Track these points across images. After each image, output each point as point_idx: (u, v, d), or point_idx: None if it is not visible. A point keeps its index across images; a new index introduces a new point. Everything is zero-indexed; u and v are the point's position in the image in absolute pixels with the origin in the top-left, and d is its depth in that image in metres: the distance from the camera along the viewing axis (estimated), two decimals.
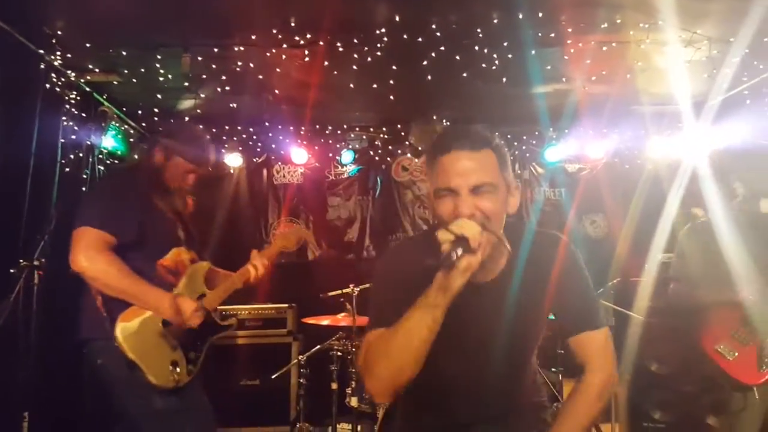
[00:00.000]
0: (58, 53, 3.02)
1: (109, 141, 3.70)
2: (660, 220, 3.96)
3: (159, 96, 3.66)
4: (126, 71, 3.34)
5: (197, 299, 2.00)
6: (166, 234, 2.00)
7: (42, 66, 2.97)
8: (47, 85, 3.05)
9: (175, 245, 2.01)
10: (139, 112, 3.84)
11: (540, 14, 2.77)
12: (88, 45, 3.01)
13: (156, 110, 3.82)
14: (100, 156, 3.45)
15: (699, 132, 3.83)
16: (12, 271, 2.45)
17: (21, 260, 2.44)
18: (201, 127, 3.86)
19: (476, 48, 3.11)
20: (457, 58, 3.20)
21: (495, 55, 3.18)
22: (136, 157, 3.31)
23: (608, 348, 1.33)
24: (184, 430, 1.92)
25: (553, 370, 3.46)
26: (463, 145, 1.19)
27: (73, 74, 3.23)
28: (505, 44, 3.09)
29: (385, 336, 1.16)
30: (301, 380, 3.33)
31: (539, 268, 1.30)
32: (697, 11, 2.74)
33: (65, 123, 3.26)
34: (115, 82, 3.40)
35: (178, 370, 1.87)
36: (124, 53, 3.13)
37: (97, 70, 3.28)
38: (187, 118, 3.89)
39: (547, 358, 3.43)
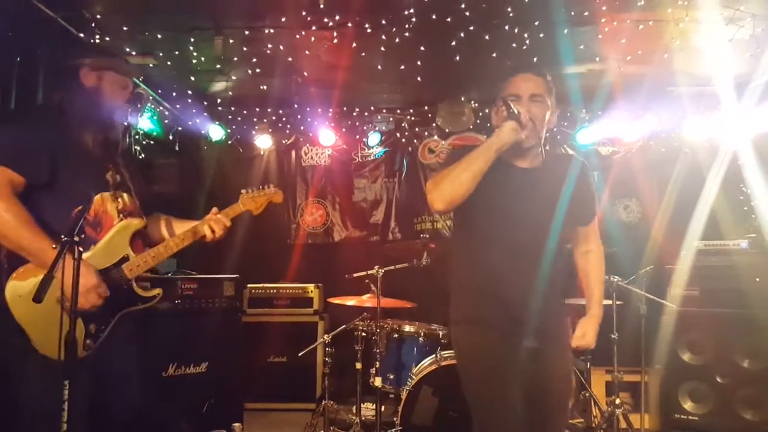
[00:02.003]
0: (97, 37, 3.12)
1: (145, 122, 3.83)
2: (697, 206, 3.84)
3: (192, 78, 3.75)
4: (161, 54, 3.43)
5: (115, 265, 1.68)
6: (89, 176, 1.67)
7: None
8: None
9: (100, 190, 1.69)
10: (174, 94, 3.94)
11: None
12: (125, 28, 3.11)
13: (189, 92, 3.91)
14: (137, 137, 3.56)
15: (741, 114, 3.67)
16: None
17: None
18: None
19: (506, 27, 3.06)
20: (487, 38, 3.15)
21: (526, 35, 3.12)
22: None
23: (598, 230, 1.94)
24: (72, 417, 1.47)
25: (581, 358, 3.41)
26: (528, 69, 1.78)
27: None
28: (537, 23, 3.03)
29: (452, 167, 1.67)
30: (327, 359, 3.39)
31: (565, 171, 1.81)
32: None
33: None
34: (150, 65, 3.50)
35: None
36: (159, 36, 3.22)
37: (133, 53, 3.39)
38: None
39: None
